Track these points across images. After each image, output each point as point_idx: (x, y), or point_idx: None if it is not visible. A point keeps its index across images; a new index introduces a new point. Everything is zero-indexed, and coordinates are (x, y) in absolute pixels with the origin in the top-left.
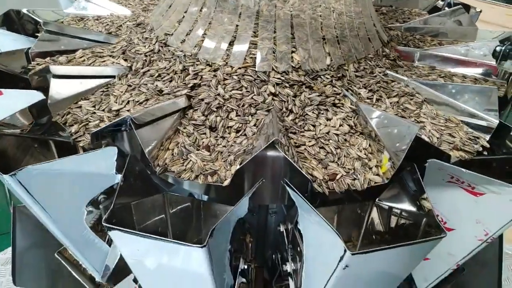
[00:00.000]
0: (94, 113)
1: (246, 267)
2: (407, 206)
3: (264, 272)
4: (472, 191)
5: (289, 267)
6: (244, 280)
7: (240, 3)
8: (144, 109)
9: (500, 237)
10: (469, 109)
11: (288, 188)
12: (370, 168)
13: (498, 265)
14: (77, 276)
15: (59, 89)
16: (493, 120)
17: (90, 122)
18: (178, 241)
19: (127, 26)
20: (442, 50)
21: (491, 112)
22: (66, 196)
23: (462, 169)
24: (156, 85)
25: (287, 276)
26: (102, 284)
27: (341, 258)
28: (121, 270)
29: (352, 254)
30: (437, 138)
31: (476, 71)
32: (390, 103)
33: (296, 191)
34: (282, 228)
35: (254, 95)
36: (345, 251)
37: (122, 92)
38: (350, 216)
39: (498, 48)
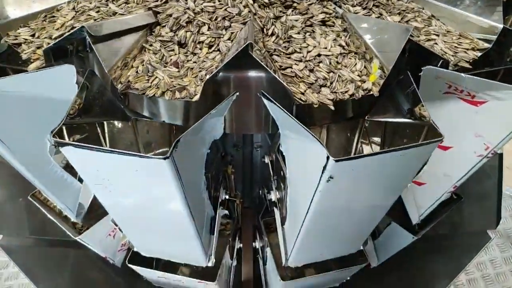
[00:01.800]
0: (32, 42)
1: (227, 197)
2: (401, 118)
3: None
4: (472, 100)
5: (273, 196)
6: (226, 212)
7: None
8: (102, 21)
9: (500, 169)
10: (470, 15)
11: (265, 101)
12: (364, 90)
13: (497, 196)
14: (52, 218)
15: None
16: (497, 25)
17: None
18: (138, 154)
19: None
20: None
21: (494, 17)
22: (24, 124)
23: (462, 74)
24: (109, 8)
25: (273, 207)
26: (79, 224)
27: (324, 167)
28: (97, 208)
29: (336, 161)
30: (452, 56)
31: None
32: (394, 21)
33: (274, 101)
34: (267, 160)
35: (228, 7)
36: (328, 158)
37: (67, 18)
38: (338, 135)
39: None
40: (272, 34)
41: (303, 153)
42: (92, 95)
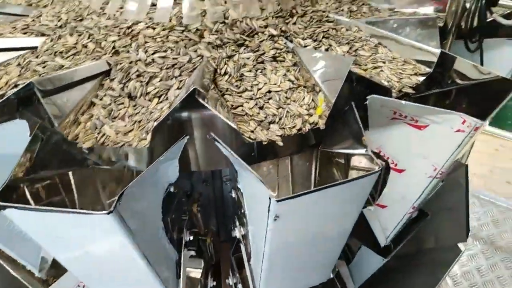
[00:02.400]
0: None
1: (191, 238)
2: (350, 147)
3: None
4: (416, 124)
5: (237, 232)
6: (193, 253)
7: None
8: (51, 75)
9: (467, 181)
10: (412, 42)
11: (216, 143)
12: (311, 124)
13: (466, 209)
14: (16, 275)
15: None
16: (435, 51)
17: None
18: (82, 211)
19: None
20: None
21: (432, 42)
22: None
23: (402, 101)
24: (56, 62)
25: (239, 243)
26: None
27: (269, 207)
28: None
29: (277, 201)
30: (397, 82)
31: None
32: (342, 51)
33: (222, 143)
34: (234, 194)
35: (180, 56)
36: (269, 199)
37: (12, 76)
38: (301, 166)
39: None
40: (225, 73)
41: (254, 191)
42: (49, 146)
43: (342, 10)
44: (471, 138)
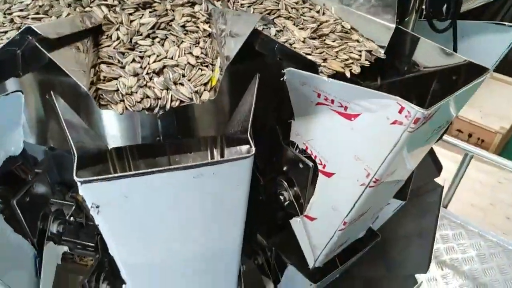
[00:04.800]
0: None
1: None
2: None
3: None
4: (345, 113)
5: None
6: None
7: None
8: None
9: (438, 205)
10: (364, 15)
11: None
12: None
13: (432, 236)
14: None
15: None
16: (389, 25)
17: None
18: None
19: None
20: None
21: (388, 15)
22: None
23: (323, 77)
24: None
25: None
26: None
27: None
28: None
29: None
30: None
31: None
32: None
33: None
34: None
35: None
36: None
37: None
38: None
39: None
40: (117, 39)
41: None
42: None
43: None
44: (415, 136)
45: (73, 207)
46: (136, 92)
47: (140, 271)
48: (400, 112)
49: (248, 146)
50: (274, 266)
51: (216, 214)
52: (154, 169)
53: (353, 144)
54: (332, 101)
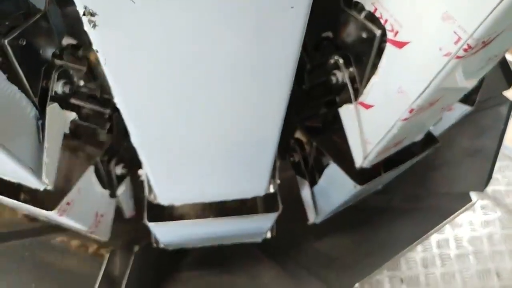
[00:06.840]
0: None
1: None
2: None
3: None
4: None
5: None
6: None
7: None
8: None
9: (506, 121)
10: None
11: None
12: None
13: (494, 155)
14: None
15: None
16: None
17: None
18: None
19: None
20: None
21: None
22: None
23: None
24: None
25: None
26: None
27: None
28: None
29: None
30: None
31: None
32: None
33: None
34: None
35: None
36: None
37: None
38: None
39: None
40: None
41: None
42: None
43: None
44: None
45: (84, 71)
46: None
47: (157, 149)
48: None
49: None
50: (312, 165)
51: (258, 59)
52: None
53: None
54: None
